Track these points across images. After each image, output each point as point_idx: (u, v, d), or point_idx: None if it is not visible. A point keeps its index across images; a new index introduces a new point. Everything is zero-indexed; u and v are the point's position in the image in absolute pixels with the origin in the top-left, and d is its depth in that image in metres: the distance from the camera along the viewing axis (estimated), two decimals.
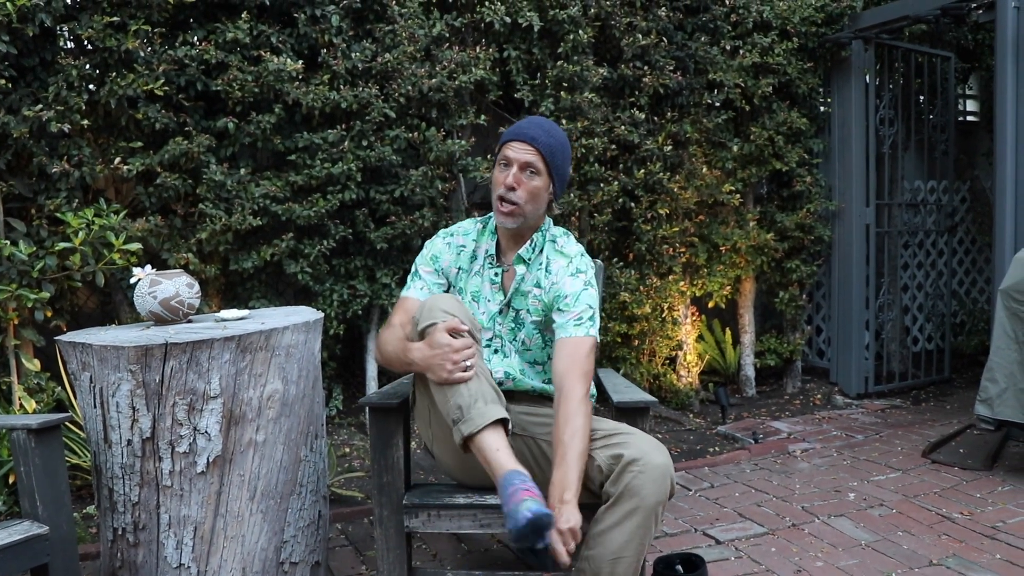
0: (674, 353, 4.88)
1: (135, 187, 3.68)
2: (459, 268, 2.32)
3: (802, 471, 3.77)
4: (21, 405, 3.39)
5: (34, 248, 3.29)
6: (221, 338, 2.16)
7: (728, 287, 4.96)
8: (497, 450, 1.92)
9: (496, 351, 2.29)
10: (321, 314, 2.51)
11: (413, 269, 2.35)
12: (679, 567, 2.31)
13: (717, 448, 4.16)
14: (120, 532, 2.29)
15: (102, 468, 2.29)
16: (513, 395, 2.28)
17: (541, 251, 2.26)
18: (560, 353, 2.11)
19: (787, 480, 3.64)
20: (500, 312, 2.28)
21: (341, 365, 4.17)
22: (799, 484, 3.58)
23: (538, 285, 2.23)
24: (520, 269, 2.24)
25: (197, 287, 2.54)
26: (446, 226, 4.02)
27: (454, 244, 2.33)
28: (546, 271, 2.23)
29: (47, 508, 2.12)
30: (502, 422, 1.97)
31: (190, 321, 2.56)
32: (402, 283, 4.05)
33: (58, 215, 3.34)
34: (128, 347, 2.12)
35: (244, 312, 2.59)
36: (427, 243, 2.37)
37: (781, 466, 3.86)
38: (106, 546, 2.36)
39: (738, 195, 4.79)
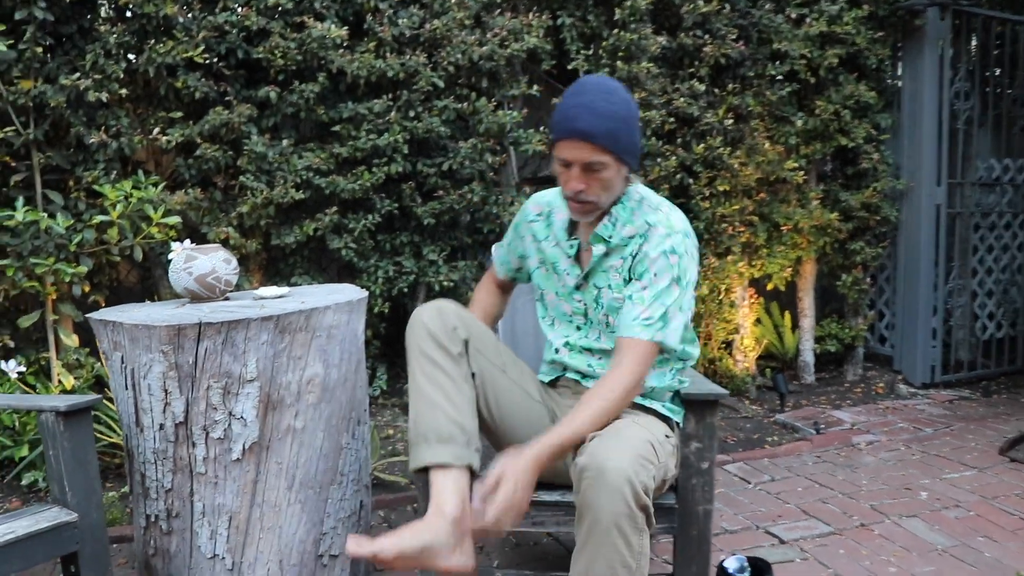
0: (731, 337, 4.67)
1: (175, 159, 3.57)
2: (534, 236, 2.15)
3: (868, 466, 3.56)
4: (60, 381, 3.31)
5: (72, 221, 3.20)
6: (258, 318, 2.02)
7: (788, 269, 4.73)
8: (439, 492, 1.78)
9: (579, 328, 2.11)
10: (365, 293, 2.36)
11: (498, 254, 2.30)
12: (744, 575, 2.13)
13: (776, 438, 3.96)
14: (153, 519, 2.18)
15: (134, 452, 2.17)
16: (563, 381, 2.16)
17: (625, 224, 1.97)
18: (618, 354, 1.89)
19: (852, 475, 3.44)
20: (578, 287, 2.07)
21: (386, 344, 4.03)
22: (866, 480, 3.38)
23: (622, 257, 1.98)
24: (598, 249, 1.99)
25: (235, 263, 2.41)
26: (496, 202, 3.91)
27: (532, 214, 2.17)
28: (634, 243, 1.95)
29: (76, 494, 2.01)
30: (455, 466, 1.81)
31: (227, 299, 2.43)
32: (450, 259, 3.90)
33: (95, 187, 3.24)
34: (160, 327, 1.99)
35: (284, 290, 2.45)
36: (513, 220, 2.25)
37: (845, 459, 3.66)
38: (139, 532, 2.25)
39: (801, 172, 4.55)
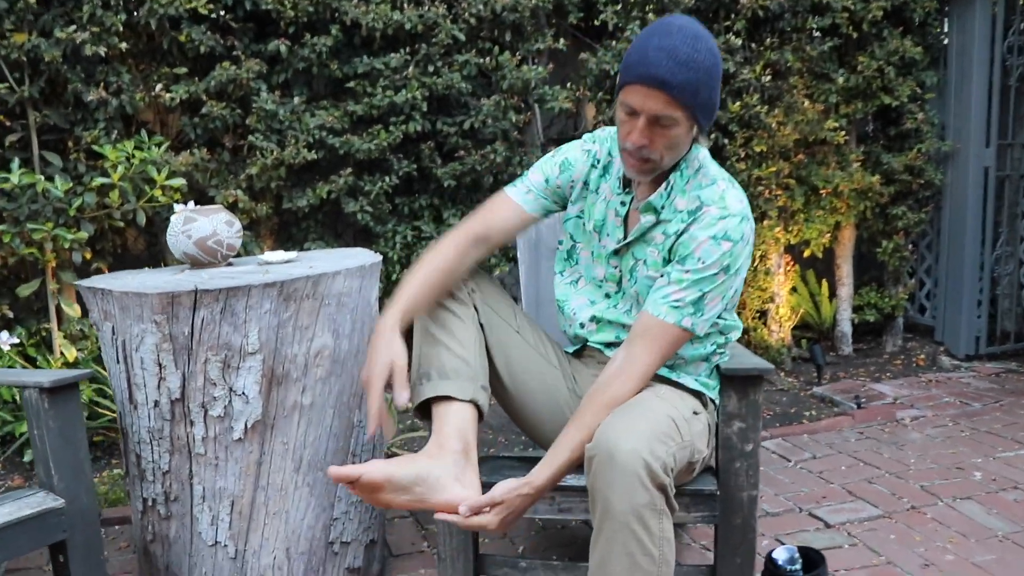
0: (765, 306, 4.45)
1: (179, 118, 3.37)
2: (585, 183, 1.86)
3: (915, 443, 3.35)
4: (62, 354, 3.15)
5: (71, 184, 3.02)
6: (260, 284, 1.84)
7: (827, 234, 4.49)
8: (440, 426, 1.65)
9: (608, 296, 1.87)
10: (379, 257, 2.17)
11: (529, 170, 1.92)
12: (795, 567, 1.94)
13: (814, 412, 3.75)
14: (150, 503, 2.01)
15: (128, 431, 2.00)
16: (587, 350, 1.95)
17: (678, 196, 1.72)
18: (633, 335, 1.67)
19: (899, 453, 3.23)
20: (617, 253, 1.83)
21: None
22: (914, 458, 3.17)
23: (665, 233, 1.73)
24: (647, 219, 1.74)
25: (238, 225, 2.22)
26: (520, 162, 3.69)
27: (592, 153, 1.86)
28: (680, 220, 1.70)
29: (64, 478, 1.84)
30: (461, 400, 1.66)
31: (230, 264, 2.25)
32: None
33: (95, 148, 3.06)
34: (151, 294, 1.81)
35: (291, 254, 2.27)
36: (563, 146, 1.91)
37: (890, 436, 3.45)
38: (136, 517, 2.09)
39: (842, 132, 4.29)
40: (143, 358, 1.88)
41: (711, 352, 1.82)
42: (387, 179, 3.45)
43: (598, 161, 1.85)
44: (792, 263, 4.59)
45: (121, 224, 3.18)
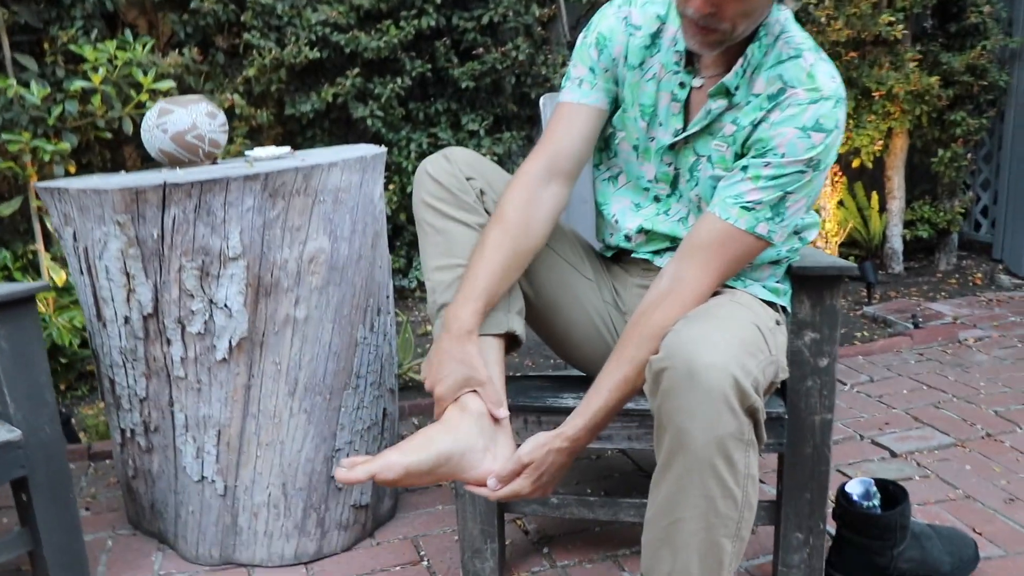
0: None
1: (167, 16, 3.06)
2: (626, 59, 1.48)
3: (981, 365, 3.05)
4: (50, 276, 2.90)
5: (48, 90, 2.73)
6: (240, 177, 1.55)
7: (879, 142, 4.12)
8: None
9: (657, 200, 1.53)
10: (382, 149, 1.87)
11: (568, 68, 1.54)
12: (872, 502, 1.66)
13: (866, 333, 3.45)
14: (129, 434, 1.77)
15: (99, 353, 1.74)
16: (635, 261, 1.60)
17: (756, 73, 1.36)
18: (698, 233, 1.34)
19: (965, 376, 2.93)
20: (672, 148, 1.47)
21: None
22: (983, 381, 2.87)
23: (737, 123, 1.38)
24: (718, 104, 1.38)
25: (222, 118, 1.92)
26: (545, 62, 3.36)
27: (627, 20, 1.48)
28: (758, 105, 1.35)
29: (21, 407, 1.58)
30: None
31: (215, 163, 1.96)
32: (493, 130, 3.38)
33: (73, 48, 2.76)
34: (112, 190, 1.52)
35: (283, 150, 1.98)
36: (592, 18, 1.54)
37: (953, 357, 3.14)
38: (116, 450, 1.85)
39: (898, 27, 3.90)
40: (108, 267, 1.61)
41: (784, 255, 1.51)
42: (399, 81, 3.17)
43: (637, 29, 1.48)
44: (840, 174, 4.24)
45: (108, 135, 2.90)
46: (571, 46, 3.47)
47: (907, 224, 4.46)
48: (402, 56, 3.17)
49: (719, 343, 1.12)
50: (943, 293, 4.06)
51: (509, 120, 3.46)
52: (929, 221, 4.45)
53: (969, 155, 4.45)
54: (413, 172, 3.25)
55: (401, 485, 1.25)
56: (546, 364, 3.04)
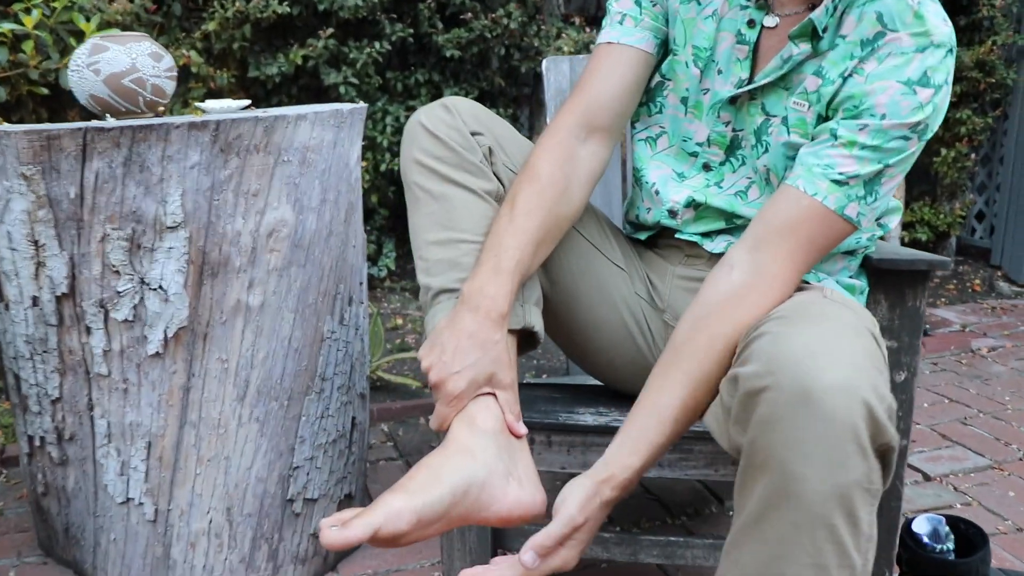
0: None
1: None
2: None
3: (1001, 377, 2.82)
4: None
5: None
6: (183, 124, 1.23)
7: None
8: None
9: (706, 167, 1.23)
10: (362, 106, 1.55)
11: (608, 4, 1.24)
12: (945, 545, 1.39)
13: None
14: (38, 443, 1.44)
15: (1, 342, 1.41)
16: (675, 241, 1.28)
17: (846, 13, 1.08)
18: (777, 211, 1.06)
19: (987, 389, 2.70)
20: (733, 102, 1.18)
21: (395, 215, 3.25)
22: (1007, 395, 2.64)
23: (822, 76, 1.09)
24: (800, 49, 1.09)
25: (170, 62, 1.60)
26: (538, 33, 3.07)
27: None
28: (849, 52, 1.07)
29: None
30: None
31: (160, 115, 1.63)
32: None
33: None
34: (16, 133, 1.19)
35: (242, 103, 1.65)
36: None
37: (969, 368, 2.92)
38: (24, 461, 1.52)
39: None
40: (10, 232, 1.28)
41: (862, 245, 1.22)
42: (377, 45, 2.89)
43: None
44: None
45: (45, 90, 2.56)
46: (566, 18, 3.18)
47: (906, 226, 4.28)
48: (381, 17, 2.88)
49: (841, 357, 0.83)
50: (943, 299, 3.88)
51: (495, 96, 3.18)
52: (929, 223, 4.28)
53: (972, 155, 4.26)
54: (388, 148, 2.96)
55: (407, 542, 0.92)
56: (527, 365, 2.75)
